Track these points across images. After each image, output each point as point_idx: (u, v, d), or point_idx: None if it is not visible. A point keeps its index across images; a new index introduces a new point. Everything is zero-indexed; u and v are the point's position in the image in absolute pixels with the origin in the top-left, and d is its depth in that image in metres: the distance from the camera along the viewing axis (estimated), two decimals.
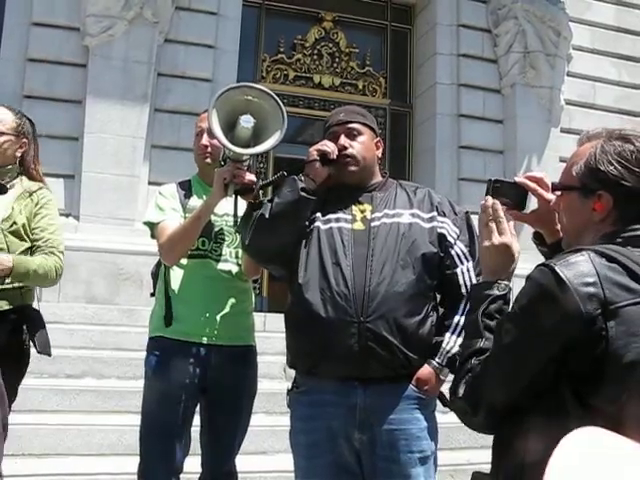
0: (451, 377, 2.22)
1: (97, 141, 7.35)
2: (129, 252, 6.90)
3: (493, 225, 1.54)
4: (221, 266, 2.72)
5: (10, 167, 2.79)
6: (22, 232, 2.70)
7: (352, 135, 2.40)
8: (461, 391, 1.41)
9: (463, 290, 2.29)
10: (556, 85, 8.97)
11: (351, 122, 2.42)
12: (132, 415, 4.10)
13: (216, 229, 2.75)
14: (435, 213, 2.35)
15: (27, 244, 2.71)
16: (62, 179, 7.36)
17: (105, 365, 5.52)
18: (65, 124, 7.44)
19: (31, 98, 7.39)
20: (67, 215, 7.28)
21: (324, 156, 2.32)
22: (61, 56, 7.51)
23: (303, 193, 2.27)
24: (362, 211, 2.34)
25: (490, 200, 1.58)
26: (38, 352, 2.71)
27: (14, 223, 2.68)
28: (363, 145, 2.40)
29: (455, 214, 2.39)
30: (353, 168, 2.37)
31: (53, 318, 5.95)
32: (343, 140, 2.37)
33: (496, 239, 1.53)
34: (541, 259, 1.59)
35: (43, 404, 4.87)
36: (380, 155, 2.52)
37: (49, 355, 2.73)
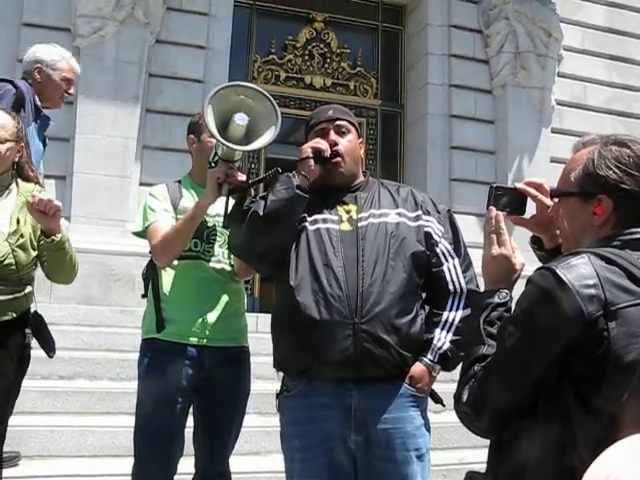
0: (443, 374, 2.25)
1: (88, 142, 7.32)
2: (121, 253, 6.87)
3: (494, 236, 1.57)
4: (214, 267, 2.72)
5: (7, 173, 2.72)
6: (29, 244, 2.65)
7: (341, 132, 2.40)
8: (465, 397, 1.42)
9: (450, 287, 2.31)
10: (547, 86, 8.99)
11: (340, 119, 2.42)
12: (125, 416, 4.09)
13: (208, 230, 2.74)
14: (420, 212, 2.36)
15: (34, 253, 2.67)
16: (53, 180, 7.31)
17: (98, 366, 5.49)
18: (56, 125, 7.24)
19: None
20: None
21: (318, 154, 2.31)
22: None
23: (298, 191, 2.26)
24: (347, 212, 2.33)
25: (494, 211, 1.61)
26: (49, 356, 2.84)
27: (21, 236, 2.62)
28: (351, 144, 2.41)
29: (438, 212, 2.40)
30: (343, 170, 2.37)
31: (46, 319, 5.94)
32: (334, 136, 2.37)
33: (495, 250, 1.56)
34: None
35: (36, 406, 4.84)
36: (363, 156, 2.53)
37: (50, 357, 2.86)
